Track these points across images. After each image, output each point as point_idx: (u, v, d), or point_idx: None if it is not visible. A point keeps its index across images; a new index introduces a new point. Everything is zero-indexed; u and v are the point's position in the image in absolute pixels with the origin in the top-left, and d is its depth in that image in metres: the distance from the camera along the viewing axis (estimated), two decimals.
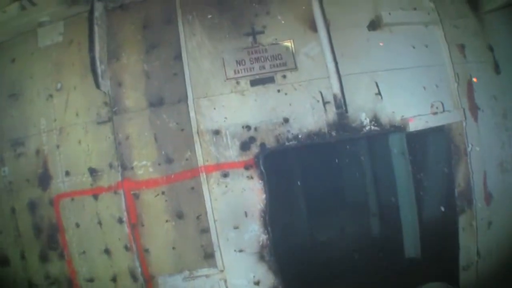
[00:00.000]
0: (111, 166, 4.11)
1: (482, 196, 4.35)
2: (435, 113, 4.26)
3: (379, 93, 4.06)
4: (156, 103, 4.00)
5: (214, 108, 3.90)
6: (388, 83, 4.14)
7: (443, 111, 4.29)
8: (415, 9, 4.38)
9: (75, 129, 4.27)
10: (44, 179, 4.34)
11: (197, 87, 3.94)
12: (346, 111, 3.87)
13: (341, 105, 3.78)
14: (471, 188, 4.34)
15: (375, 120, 4.06)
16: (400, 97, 4.16)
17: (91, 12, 4.06)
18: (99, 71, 3.99)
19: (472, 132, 4.42)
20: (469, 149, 4.36)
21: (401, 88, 4.17)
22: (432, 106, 4.27)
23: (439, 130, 4.32)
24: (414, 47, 4.28)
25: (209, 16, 4.05)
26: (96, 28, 4.05)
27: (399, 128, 4.16)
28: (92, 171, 4.14)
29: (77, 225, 4.21)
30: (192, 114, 3.89)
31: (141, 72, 4.07)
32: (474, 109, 4.52)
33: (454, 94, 4.37)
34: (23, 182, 4.34)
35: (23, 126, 4.44)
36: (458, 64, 4.46)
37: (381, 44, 4.20)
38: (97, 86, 3.97)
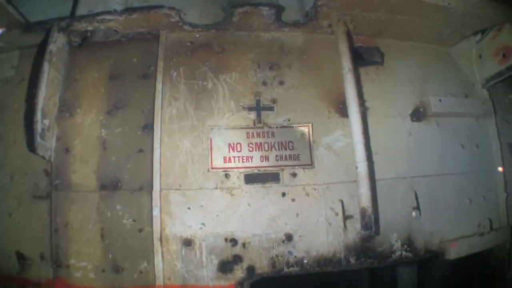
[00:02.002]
0: (42, 257, 2.48)
1: None
2: (482, 234, 2.64)
3: (417, 207, 2.43)
4: (109, 186, 2.35)
5: (189, 208, 2.24)
6: (429, 193, 2.61)
7: (490, 230, 2.70)
8: (466, 96, 2.79)
9: (7, 196, 2.64)
10: None
11: (168, 174, 2.29)
12: (377, 233, 2.22)
13: (370, 225, 2.18)
14: None
15: (409, 243, 2.50)
16: (441, 213, 2.68)
17: (43, 43, 2.45)
18: (38, 126, 2.33)
19: None
20: (508, 275, 2.71)
21: (443, 201, 2.67)
22: (479, 225, 2.63)
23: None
24: (463, 147, 2.69)
25: (201, 77, 2.39)
26: (46, 66, 2.43)
27: (436, 254, 2.59)
28: (20, 257, 2.52)
29: None
30: (155, 211, 2.23)
31: (97, 139, 2.43)
32: None
33: (501, 207, 2.93)
34: None
35: None
36: (508, 168, 2.81)
37: (426, 139, 2.57)
38: (31, 147, 2.37)
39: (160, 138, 2.36)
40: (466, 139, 2.84)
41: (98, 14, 2.56)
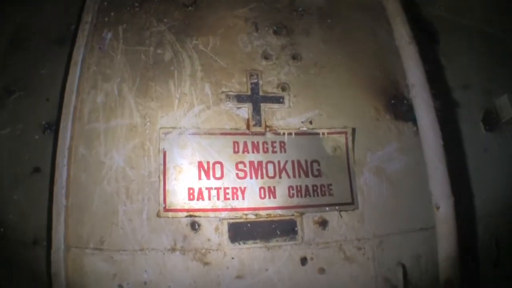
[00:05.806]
0: None
1: None
2: None
3: (497, 261, 0.99)
4: None
5: (121, 286, 0.68)
6: (509, 235, 1.08)
7: None
8: None
9: None
10: None
11: (81, 218, 0.78)
12: None
13: None
14: None
15: None
16: None
17: None
18: None
19: None
20: None
21: None
22: None
23: None
24: None
25: (154, 41, 0.89)
26: None
27: None
28: None
29: None
30: (57, 287, 0.66)
31: None
32: None
33: None
34: None
35: None
36: None
37: (501, 157, 1.19)
38: None
39: (69, 147, 0.88)
40: None
41: None
